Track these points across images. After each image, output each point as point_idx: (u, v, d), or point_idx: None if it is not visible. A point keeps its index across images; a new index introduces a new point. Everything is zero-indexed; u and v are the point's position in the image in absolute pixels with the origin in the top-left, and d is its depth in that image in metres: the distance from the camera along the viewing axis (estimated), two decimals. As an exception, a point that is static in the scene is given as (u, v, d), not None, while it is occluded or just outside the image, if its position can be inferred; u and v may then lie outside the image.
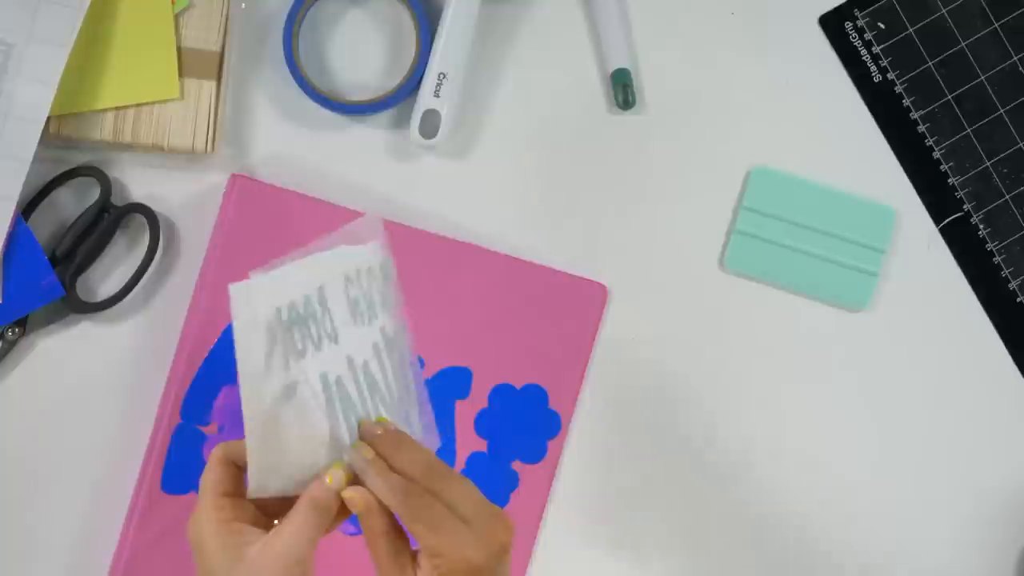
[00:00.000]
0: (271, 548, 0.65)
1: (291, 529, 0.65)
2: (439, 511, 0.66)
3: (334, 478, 0.67)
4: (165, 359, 0.87)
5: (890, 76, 0.92)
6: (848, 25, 0.92)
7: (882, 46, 0.92)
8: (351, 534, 0.87)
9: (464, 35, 0.87)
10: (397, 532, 0.67)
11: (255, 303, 0.66)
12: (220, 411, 0.86)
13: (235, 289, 0.66)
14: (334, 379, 0.68)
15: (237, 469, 0.68)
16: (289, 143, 0.89)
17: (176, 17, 0.86)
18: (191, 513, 0.68)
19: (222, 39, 0.86)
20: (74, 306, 0.86)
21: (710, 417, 0.91)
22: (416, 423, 0.72)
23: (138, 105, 0.85)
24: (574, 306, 0.89)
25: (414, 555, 0.67)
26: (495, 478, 0.88)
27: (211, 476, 0.68)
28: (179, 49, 0.86)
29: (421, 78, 0.87)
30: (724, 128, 0.91)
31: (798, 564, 0.92)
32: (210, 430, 0.86)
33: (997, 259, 0.93)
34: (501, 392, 0.88)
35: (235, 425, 0.87)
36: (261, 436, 0.66)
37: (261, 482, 0.66)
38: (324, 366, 0.68)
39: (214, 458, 0.68)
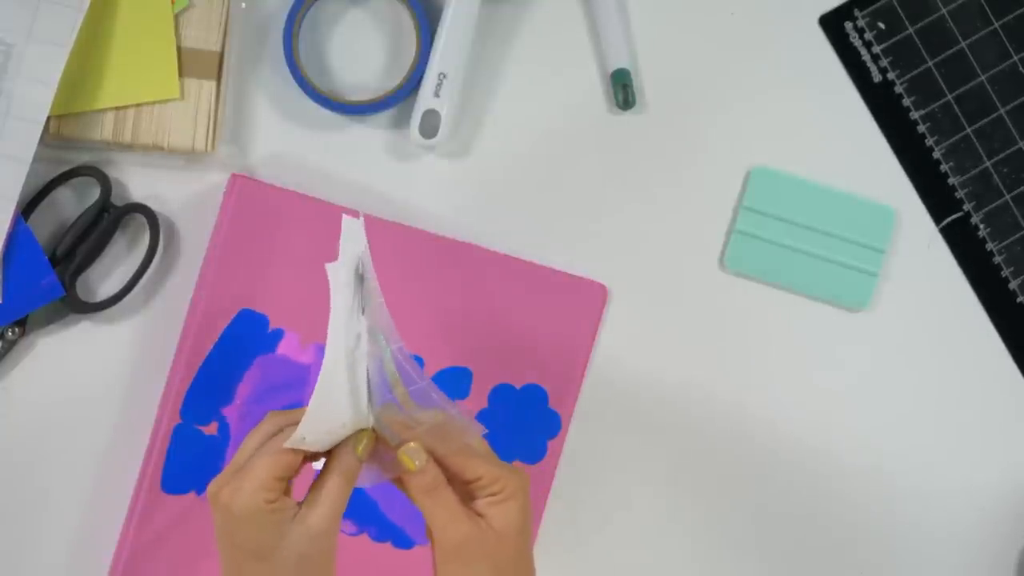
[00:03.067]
0: (308, 523, 0.66)
1: (327, 502, 0.67)
2: (478, 450, 0.70)
3: (363, 448, 0.68)
4: (165, 359, 0.87)
5: (890, 76, 0.92)
6: (848, 25, 0.92)
7: (882, 46, 0.92)
8: (351, 534, 0.87)
9: (464, 35, 0.87)
10: (448, 484, 0.69)
11: (356, 241, 0.68)
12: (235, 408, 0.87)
13: (347, 221, 0.68)
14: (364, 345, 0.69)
15: (292, 454, 0.67)
16: (289, 143, 0.89)
17: (176, 17, 0.86)
18: (228, 483, 0.67)
19: (222, 39, 0.86)
20: (74, 306, 0.86)
21: (710, 417, 0.91)
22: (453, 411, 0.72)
23: (138, 105, 0.85)
24: (574, 306, 0.89)
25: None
26: (495, 478, 0.88)
27: (269, 460, 0.67)
28: (179, 49, 0.86)
29: (421, 78, 0.87)
30: (724, 128, 0.91)
31: (797, 563, 0.92)
32: (210, 430, 0.86)
33: (997, 259, 0.93)
34: (501, 392, 0.88)
35: (244, 424, 0.87)
36: (330, 382, 0.66)
37: (305, 433, 0.66)
38: (361, 329, 0.68)
39: (275, 442, 0.68)
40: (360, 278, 0.68)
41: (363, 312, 0.69)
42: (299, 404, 0.87)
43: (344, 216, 0.68)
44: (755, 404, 0.92)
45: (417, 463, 0.68)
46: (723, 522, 0.92)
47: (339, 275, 0.67)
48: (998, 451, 0.93)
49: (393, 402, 0.69)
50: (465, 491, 0.70)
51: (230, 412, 0.86)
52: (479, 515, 0.69)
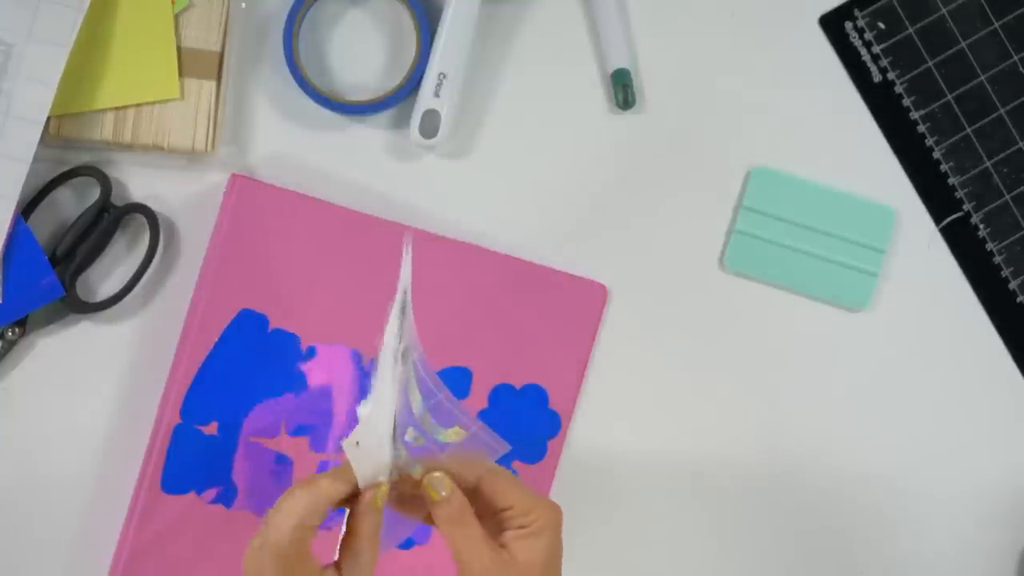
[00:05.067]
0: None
1: (365, 545, 0.66)
2: (512, 478, 0.68)
3: (381, 499, 0.67)
4: (165, 359, 0.87)
5: (890, 76, 0.92)
6: (848, 25, 0.92)
7: (882, 46, 0.92)
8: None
9: (464, 35, 0.87)
10: (474, 513, 0.68)
11: (407, 263, 0.68)
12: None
13: (407, 237, 0.68)
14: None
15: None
16: (289, 143, 0.89)
17: (176, 17, 0.86)
18: (258, 542, 0.66)
19: (222, 39, 0.86)
20: (74, 306, 0.86)
21: (710, 416, 0.91)
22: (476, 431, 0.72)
23: (138, 105, 0.85)
24: (574, 306, 0.89)
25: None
26: (495, 478, 0.88)
27: (304, 511, 0.65)
28: (179, 49, 0.86)
29: (421, 78, 0.87)
30: (724, 128, 0.91)
31: (796, 563, 0.92)
32: (210, 430, 0.86)
33: (997, 259, 0.93)
34: (501, 392, 0.88)
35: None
36: (380, 392, 0.66)
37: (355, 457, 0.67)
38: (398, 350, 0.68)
39: (320, 495, 0.66)
40: (405, 299, 0.68)
41: (400, 333, 0.68)
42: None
43: (407, 240, 0.68)
44: (755, 404, 0.91)
45: (443, 493, 0.67)
46: (722, 522, 0.91)
47: (404, 287, 0.68)
48: (998, 451, 0.93)
49: (415, 426, 0.68)
50: (495, 519, 0.69)
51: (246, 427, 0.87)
52: (504, 546, 0.67)
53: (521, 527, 0.67)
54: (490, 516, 0.68)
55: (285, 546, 0.64)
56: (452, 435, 0.68)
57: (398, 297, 0.67)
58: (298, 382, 0.87)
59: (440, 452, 0.68)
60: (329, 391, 0.87)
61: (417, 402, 0.68)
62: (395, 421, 0.67)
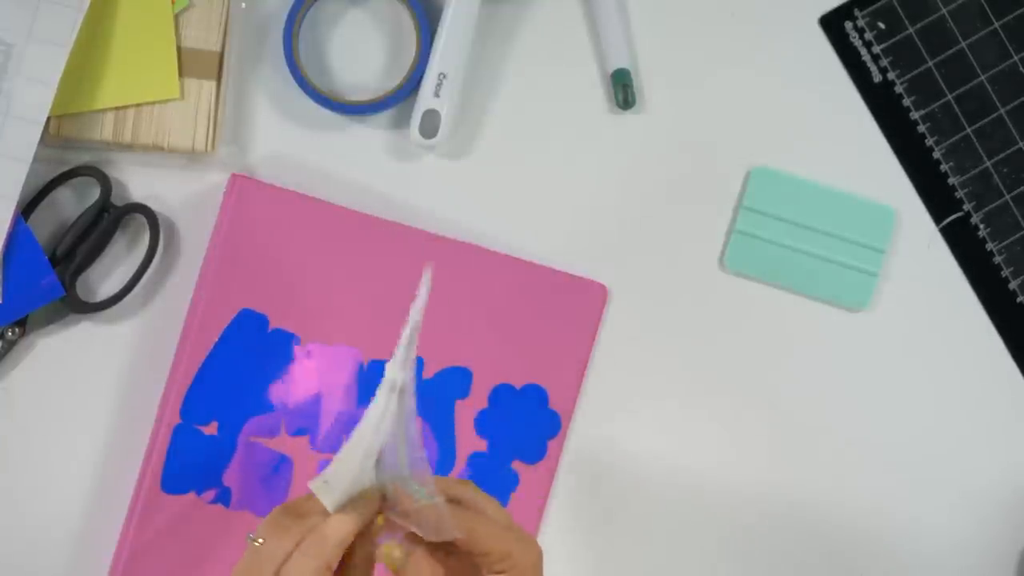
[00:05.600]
0: None
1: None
2: (491, 520, 0.66)
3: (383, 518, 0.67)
4: (165, 359, 0.87)
5: (890, 76, 0.92)
6: (848, 25, 0.92)
7: (882, 46, 0.92)
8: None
9: (464, 35, 0.87)
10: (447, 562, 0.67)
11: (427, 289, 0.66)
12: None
13: (428, 268, 0.67)
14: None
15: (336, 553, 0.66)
16: (289, 143, 0.89)
17: (176, 17, 0.86)
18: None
19: (222, 39, 0.86)
20: (74, 306, 0.86)
21: (709, 417, 0.91)
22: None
23: (138, 105, 0.85)
24: (574, 306, 0.89)
25: None
26: (495, 478, 0.88)
27: (315, 564, 0.64)
28: (179, 49, 0.86)
29: (421, 78, 0.87)
30: (724, 128, 0.91)
31: (796, 563, 0.92)
32: (210, 430, 0.86)
33: (997, 259, 0.93)
34: (501, 392, 0.88)
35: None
36: (366, 431, 0.65)
37: (329, 478, 0.66)
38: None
39: (323, 560, 0.65)
40: (413, 333, 0.67)
41: (404, 365, 0.67)
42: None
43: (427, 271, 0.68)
44: (755, 404, 0.91)
45: (395, 564, 0.67)
46: (722, 521, 0.91)
47: (416, 317, 0.67)
48: (998, 451, 0.93)
49: (394, 469, 0.67)
50: (475, 563, 0.67)
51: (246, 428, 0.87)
52: None
53: (496, 573, 0.66)
54: (468, 559, 0.67)
55: None
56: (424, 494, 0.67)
57: (408, 330, 0.66)
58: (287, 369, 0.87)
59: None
60: (319, 395, 0.87)
61: (403, 452, 0.67)
62: (380, 452, 0.67)
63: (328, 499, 0.66)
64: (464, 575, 0.67)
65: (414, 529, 0.67)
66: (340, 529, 0.65)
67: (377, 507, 0.67)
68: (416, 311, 0.66)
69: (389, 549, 0.67)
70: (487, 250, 0.88)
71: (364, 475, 0.67)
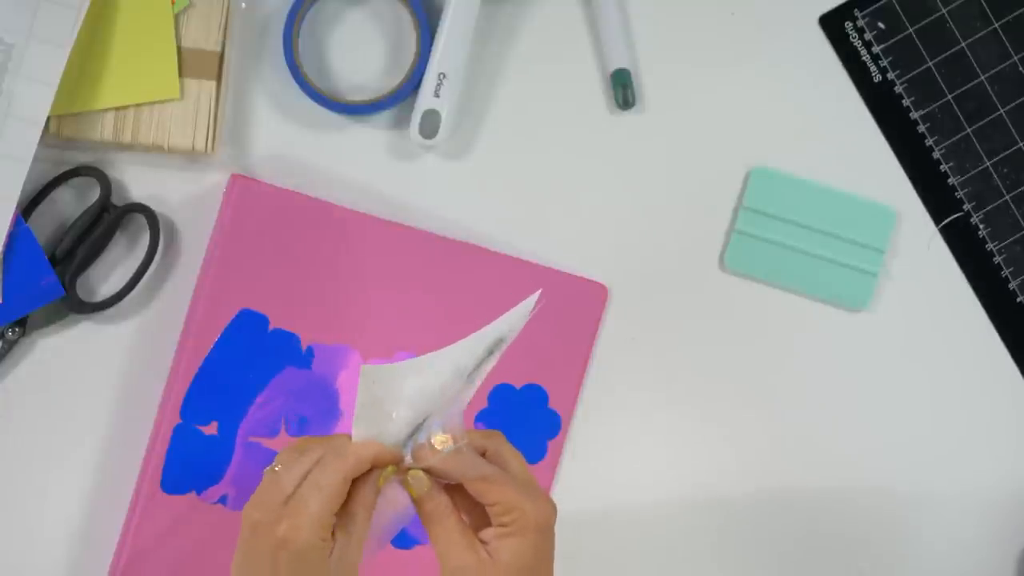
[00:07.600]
0: (349, 559, 0.66)
1: (359, 538, 0.67)
2: (504, 474, 0.68)
3: (383, 479, 0.68)
4: (165, 359, 0.87)
5: (890, 76, 0.92)
6: (848, 25, 0.92)
7: (882, 46, 0.92)
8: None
9: (464, 35, 0.87)
10: (458, 512, 0.68)
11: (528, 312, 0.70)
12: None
13: (540, 296, 0.71)
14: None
15: (343, 488, 0.67)
16: (289, 143, 0.89)
17: (176, 17, 0.86)
18: (283, 517, 0.66)
19: (222, 39, 0.86)
20: (74, 306, 0.86)
21: (709, 416, 0.91)
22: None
23: (138, 105, 0.85)
24: (574, 306, 0.89)
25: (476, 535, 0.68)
26: (495, 478, 0.88)
27: (326, 496, 0.66)
28: (179, 49, 0.86)
29: (421, 78, 0.87)
30: (724, 128, 0.91)
31: (796, 563, 0.92)
32: (210, 430, 0.86)
33: (997, 259, 0.93)
34: (501, 392, 0.88)
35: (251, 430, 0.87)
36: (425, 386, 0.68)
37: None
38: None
39: (324, 475, 0.66)
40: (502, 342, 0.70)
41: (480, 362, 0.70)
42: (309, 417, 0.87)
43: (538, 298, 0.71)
44: (754, 403, 0.92)
45: (418, 490, 0.68)
46: (723, 521, 0.91)
47: (505, 324, 0.71)
48: (998, 451, 0.93)
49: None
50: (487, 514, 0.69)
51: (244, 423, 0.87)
52: (484, 543, 0.67)
53: (501, 525, 0.67)
54: (481, 512, 0.69)
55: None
56: (439, 442, 0.69)
57: (496, 334, 0.70)
58: (303, 361, 0.87)
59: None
60: (331, 386, 0.87)
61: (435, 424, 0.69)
62: (424, 419, 0.69)
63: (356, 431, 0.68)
64: (478, 517, 0.69)
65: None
66: (361, 448, 0.67)
67: (396, 457, 0.68)
68: (509, 326, 0.71)
69: (416, 472, 0.68)
70: (487, 250, 0.88)
71: (395, 428, 0.68)
